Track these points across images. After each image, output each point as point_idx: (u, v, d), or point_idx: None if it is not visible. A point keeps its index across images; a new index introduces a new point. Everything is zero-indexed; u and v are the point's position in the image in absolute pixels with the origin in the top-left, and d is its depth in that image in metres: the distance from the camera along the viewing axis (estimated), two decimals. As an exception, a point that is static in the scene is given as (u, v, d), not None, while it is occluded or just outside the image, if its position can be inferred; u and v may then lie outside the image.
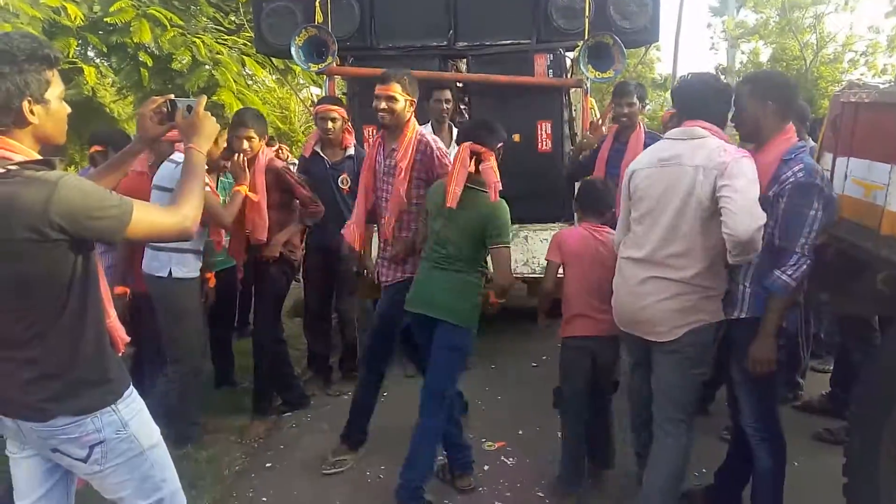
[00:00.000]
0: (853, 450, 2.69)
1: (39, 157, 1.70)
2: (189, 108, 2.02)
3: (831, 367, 4.49)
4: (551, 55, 5.25)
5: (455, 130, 4.89)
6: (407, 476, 2.99)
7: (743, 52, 21.38)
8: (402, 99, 3.25)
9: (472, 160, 3.00)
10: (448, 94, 4.81)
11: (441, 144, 3.53)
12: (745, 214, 2.39)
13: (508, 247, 3.04)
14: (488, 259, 3.10)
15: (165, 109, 2.06)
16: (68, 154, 9.85)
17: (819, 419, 4.02)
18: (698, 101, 2.71)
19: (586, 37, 4.98)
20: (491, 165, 2.99)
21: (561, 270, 3.19)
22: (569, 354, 3.16)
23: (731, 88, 2.80)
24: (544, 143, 5.28)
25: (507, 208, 3.06)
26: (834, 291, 3.20)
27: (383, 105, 3.25)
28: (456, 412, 3.28)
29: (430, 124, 4.81)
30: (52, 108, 1.72)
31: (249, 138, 3.86)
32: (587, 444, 3.23)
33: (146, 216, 1.74)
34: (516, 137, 5.12)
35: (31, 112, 1.67)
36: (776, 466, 2.75)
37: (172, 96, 2.07)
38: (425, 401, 3.04)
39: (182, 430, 3.51)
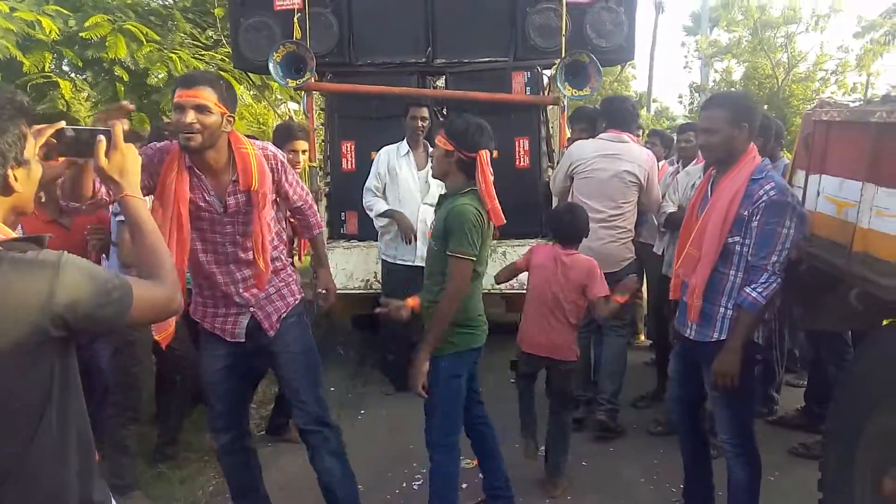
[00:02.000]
0: (828, 464, 2.72)
1: (23, 235, 1.37)
2: (91, 137, 1.58)
3: (806, 382, 4.53)
4: (528, 73, 5.29)
5: (431, 150, 4.88)
6: None
7: (716, 71, 21.75)
8: (216, 112, 2.36)
9: None
10: (425, 112, 4.78)
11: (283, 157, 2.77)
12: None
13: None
14: None
15: (54, 141, 1.55)
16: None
17: (794, 434, 4.05)
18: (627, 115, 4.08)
19: (563, 55, 5.03)
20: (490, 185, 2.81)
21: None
22: (522, 368, 3.53)
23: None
24: (522, 159, 5.31)
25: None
26: (807, 307, 3.24)
27: (189, 119, 2.32)
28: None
29: (405, 141, 4.81)
30: (31, 170, 1.42)
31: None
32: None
33: (144, 293, 1.43)
34: (494, 154, 5.12)
35: (15, 178, 1.37)
36: (751, 480, 2.77)
37: (64, 123, 1.58)
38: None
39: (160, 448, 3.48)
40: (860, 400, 2.55)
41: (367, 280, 5.02)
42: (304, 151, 3.91)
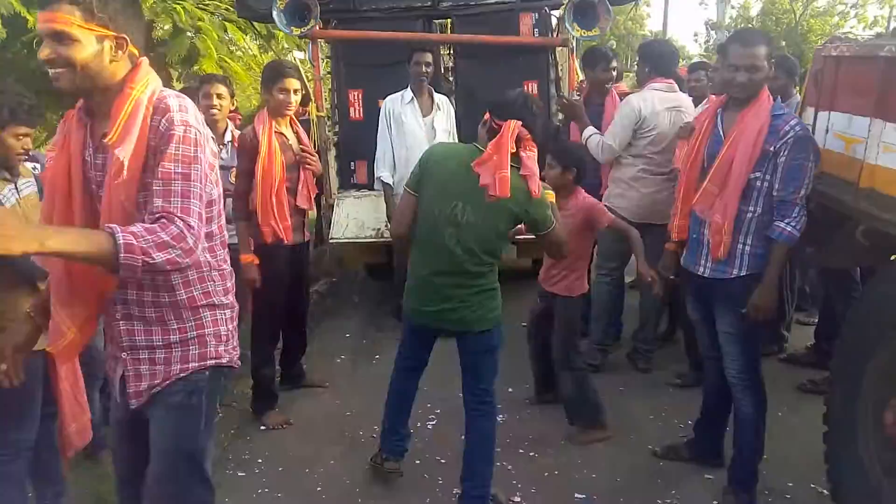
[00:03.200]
0: (834, 399, 2.77)
1: None
2: None
3: (816, 320, 4.56)
4: (536, 14, 5.21)
5: (437, 96, 4.85)
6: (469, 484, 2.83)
7: (733, 7, 21.19)
8: (85, 38, 1.68)
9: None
10: (429, 57, 4.66)
11: (194, 121, 1.78)
12: None
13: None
14: None
15: None
16: (47, 121, 9.73)
17: (803, 371, 4.10)
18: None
19: (570, -5, 4.92)
20: (533, 164, 2.61)
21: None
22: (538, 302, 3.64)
23: None
24: (533, 102, 5.24)
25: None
26: (817, 245, 3.25)
27: (46, 53, 1.68)
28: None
29: (409, 88, 4.76)
30: None
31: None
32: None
33: None
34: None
35: None
36: (757, 413, 2.83)
37: None
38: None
39: None
40: (866, 335, 2.58)
41: (378, 229, 5.05)
42: (296, 91, 3.57)
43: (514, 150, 2.56)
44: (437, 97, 4.86)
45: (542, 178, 2.83)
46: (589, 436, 3.45)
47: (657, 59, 4.18)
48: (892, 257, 2.77)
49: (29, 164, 4.02)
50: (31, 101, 2.51)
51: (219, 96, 3.89)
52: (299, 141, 3.68)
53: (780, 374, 3.99)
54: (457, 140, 4.73)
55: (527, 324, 3.78)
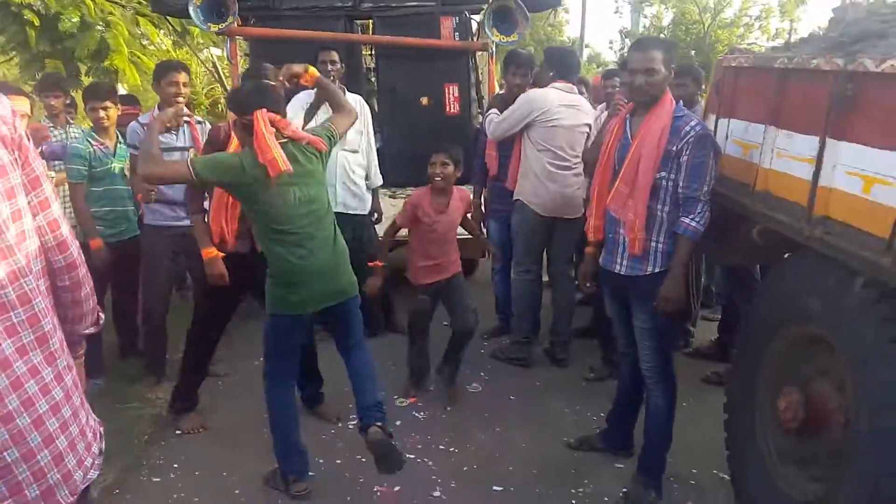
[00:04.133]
0: (734, 389, 2.94)
1: None
2: None
3: (719, 316, 4.82)
4: (457, 18, 5.28)
5: (349, 97, 4.63)
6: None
7: (646, 17, 21.99)
8: None
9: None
10: (334, 56, 4.49)
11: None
12: None
13: None
14: None
15: None
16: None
17: (707, 364, 4.32)
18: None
19: (490, 0, 5.03)
20: (292, 129, 2.80)
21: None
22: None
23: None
24: (452, 105, 5.33)
25: None
26: (719, 243, 3.44)
27: None
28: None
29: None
30: None
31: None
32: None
33: None
34: (424, 100, 5.17)
35: None
36: (669, 405, 2.98)
37: None
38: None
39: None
40: (762, 329, 2.76)
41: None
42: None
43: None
44: (350, 98, 4.73)
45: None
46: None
47: (560, 64, 4.34)
48: (786, 255, 2.97)
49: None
50: None
51: (183, 84, 3.96)
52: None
53: (686, 367, 4.18)
54: (371, 141, 4.62)
55: (411, 324, 3.97)
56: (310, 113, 4.29)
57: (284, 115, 2.78)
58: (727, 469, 2.93)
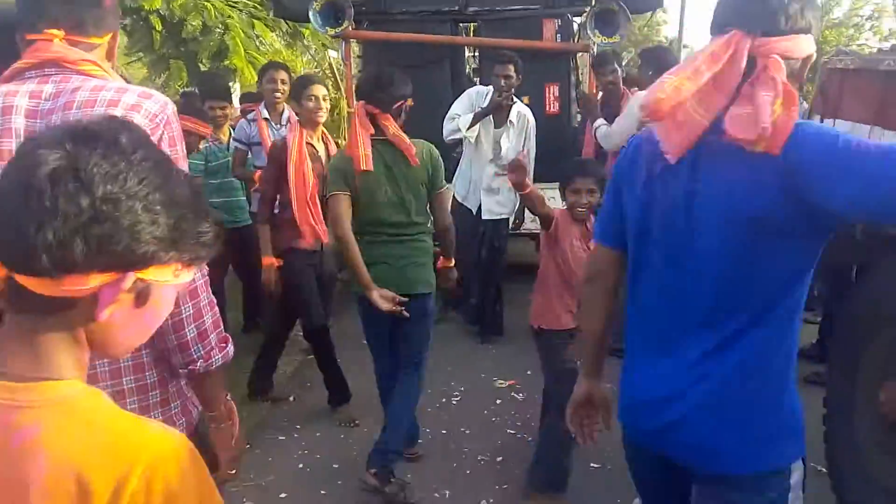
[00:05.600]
0: (833, 384, 3.00)
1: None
2: None
3: (821, 319, 4.79)
4: (559, 20, 5.45)
5: (516, 110, 4.65)
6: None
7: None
8: None
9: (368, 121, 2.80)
10: (510, 70, 4.50)
11: None
12: None
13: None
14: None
15: None
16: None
17: (809, 364, 4.33)
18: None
19: (593, 2, 5.18)
20: (393, 130, 2.77)
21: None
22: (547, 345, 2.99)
23: None
24: (552, 105, 5.51)
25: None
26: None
27: None
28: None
29: (492, 90, 4.64)
30: None
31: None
32: None
33: None
34: (525, 100, 5.36)
35: None
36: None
37: None
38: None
39: None
40: (861, 326, 2.81)
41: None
42: (324, 98, 3.66)
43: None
44: (516, 112, 4.65)
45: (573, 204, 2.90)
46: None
47: (659, 64, 4.36)
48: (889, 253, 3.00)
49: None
50: None
51: (282, 81, 4.33)
52: (328, 154, 3.67)
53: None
54: (532, 150, 4.67)
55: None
56: (480, 115, 4.52)
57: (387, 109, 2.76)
58: (824, 462, 2.99)
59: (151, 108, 1.32)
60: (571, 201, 2.89)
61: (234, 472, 1.57)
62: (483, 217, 4.73)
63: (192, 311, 1.38)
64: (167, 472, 0.77)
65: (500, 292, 4.87)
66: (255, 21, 10.07)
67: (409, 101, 2.87)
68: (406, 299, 2.79)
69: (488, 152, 4.70)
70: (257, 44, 10.32)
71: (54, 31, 1.31)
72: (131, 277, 0.77)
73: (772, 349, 1.45)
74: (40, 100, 1.30)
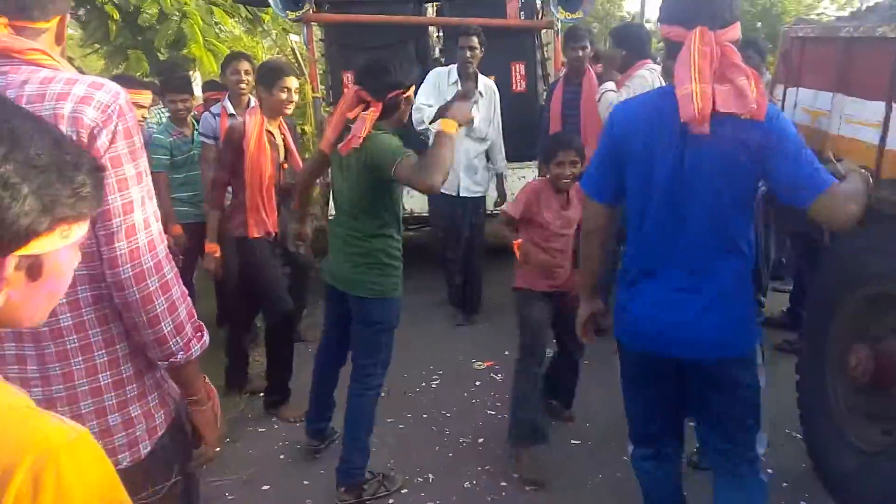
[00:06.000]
0: (804, 352, 3.06)
1: None
2: None
3: (791, 288, 4.88)
4: (522, -2, 5.42)
5: (483, 82, 4.71)
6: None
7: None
8: None
9: (359, 108, 2.62)
10: (474, 41, 4.54)
11: None
12: None
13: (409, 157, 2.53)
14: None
15: None
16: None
17: (780, 332, 4.40)
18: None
19: (554, -20, 5.15)
20: (365, 116, 2.56)
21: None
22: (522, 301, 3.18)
23: None
24: (518, 83, 5.49)
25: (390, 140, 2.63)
26: (785, 212, 3.53)
27: None
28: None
29: (454, 68, 4.71)
30: None
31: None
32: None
33: None
34: (492, 78, 5.33)
35: None
36: None
37: None
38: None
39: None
40: (831, 289, 2.86)
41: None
42: (296, 90, 3.57)
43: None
44: (483, 83, 4.69)
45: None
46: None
47: (637, 42, 4.31)
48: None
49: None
50: None
51: (246, 72, 4.27)
52: (285, 143, 3.60)
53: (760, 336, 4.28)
54: (499, 127, 4.78)
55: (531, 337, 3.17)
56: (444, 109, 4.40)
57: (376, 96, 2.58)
58: (799, 429, 3.05)
59: (103, 99, 1.27)
60: (556, 173, 3.07)
61: (218, 448, 1.58)
62: (461, 195, 4.72)
63: (165, 306, 1.36)
64: (60, 467, 0.72)
65: (479, 270, 4.87)
66: (214, 7, 9.86)
67: (410, 93, 2.68)
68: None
69: (462, 129, 4.66)
70: (216, 31, 10.13)
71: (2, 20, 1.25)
72: (12, 261, 0.73)
73: (746, 268, 1.95)
74: None
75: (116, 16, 8.99)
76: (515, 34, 5.46)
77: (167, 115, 4.49)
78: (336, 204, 2.83)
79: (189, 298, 1.43)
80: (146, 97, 3.85)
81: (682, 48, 1.80)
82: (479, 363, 4.09)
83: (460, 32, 4.69)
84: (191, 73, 9.07)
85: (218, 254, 3.56)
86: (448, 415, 3.51)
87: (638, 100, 2.12)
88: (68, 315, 1.30)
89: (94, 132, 1.25)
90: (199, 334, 1.46)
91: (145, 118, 3.88)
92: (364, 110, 2.58)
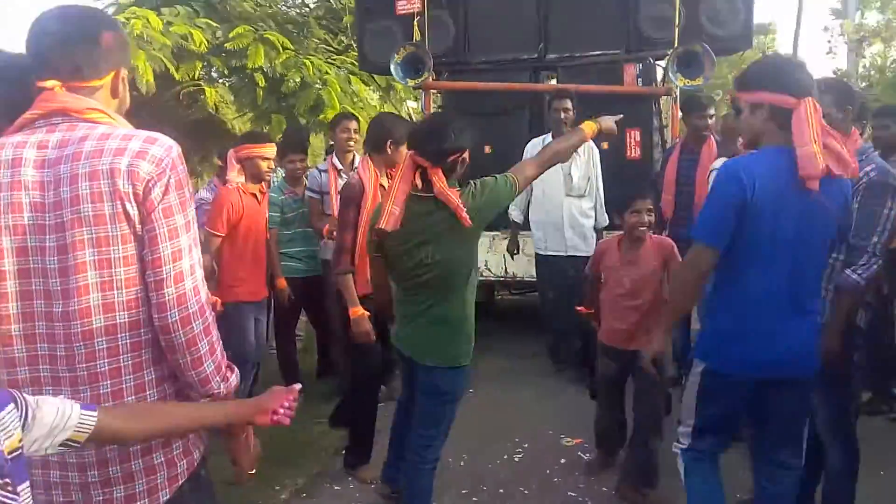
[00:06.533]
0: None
1: None
2: None
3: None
4: (640, 64, 5.33)
5: None
6: None
7: (864, 57, 20.17)
8: None
9: (417, 174, 2.52)
10: (567, 104, 4.69)
11: None
12: None
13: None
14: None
15: None
16: (190, 166, 10.70)
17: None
18: None
19: (676, 45, 5.03)
20: (440, 187, 2.44)
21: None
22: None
23: None
24: (633, 150, 5.35)
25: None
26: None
27: None
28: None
29: (549, 134, 4.79)
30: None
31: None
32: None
33: None
34: (605, 145, 5.22)
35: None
36: (847, 469, 2.72)
37: None
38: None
39: None
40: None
41: (478, 268, 5.25)
42: (355, 130, 4.45)
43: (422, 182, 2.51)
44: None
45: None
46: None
47: (844, 98, 3.99)
48: None
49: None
50: None
51: (354, 131, 4.55)
52: None
53: (889, 434, 3.79)
54: (599, 183, 4.83)
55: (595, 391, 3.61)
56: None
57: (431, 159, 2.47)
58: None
59: (157, 153, 1.35)
60: (633, 222, 3.20)
61: (253, 471, 1.64)
62: (568, 254, 4.73)
63: (207, 348, 1.43)
64: None
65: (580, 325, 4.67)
66: (352, 77, 10.46)
67: (466, 155, 2.54)
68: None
69: (561, 187, 4.75)
70: (353, 98, 10.72)
71: (52, 82, 1.35)
72: None
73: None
74: (47, 149, 1.34)
75: (263, 83, 9.76)
76: (632, 100, 5.35)
77: (283, 174, 4.75)
78: (407, 282, 2.64)
79: (220, 340, 1.50)
80: (271, 150, 4.03)
81: (792, 113, 2.10)
82: (569, 440, 3.87)
83: (553, 96, 4.78)
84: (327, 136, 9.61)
85: (367, 315, 3.28)
86: (526, 492, 3.31)
87: (752, 157, 2.26)
88: (105, 361, 1.35)
89: (150, 185, 1.34)
90: (230, 373, 1.53)
91: (272, 168, 4.08)
92: (422, 176, 2.49)
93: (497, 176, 2.56)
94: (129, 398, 1.38)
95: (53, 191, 1.31)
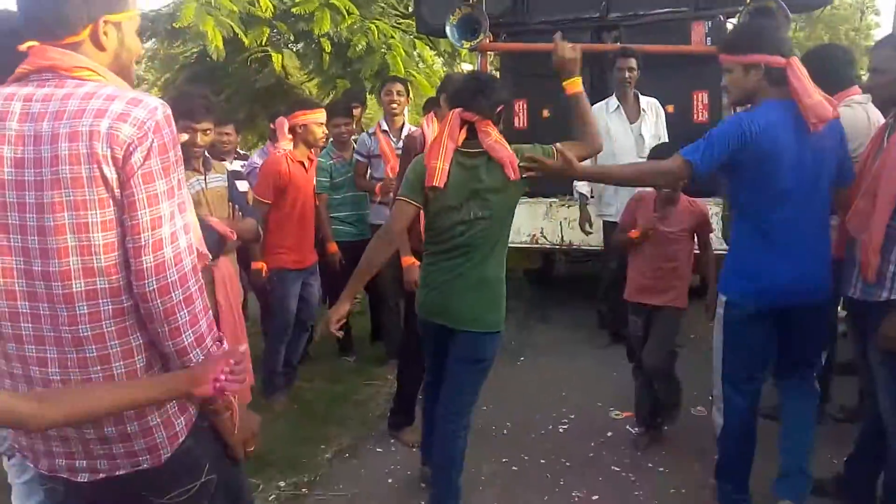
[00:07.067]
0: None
1: None
2: None
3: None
4: (710, 22, 5.03)
5: (644, 100, 4.71)
6: None
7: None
8: None
9: (463, 130, 2.55)
10: (632, 63, 4.55)
11: None
12: None
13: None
14: None
15: None
16: (258, 126, 10.88)
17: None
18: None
19: (748, 1, 4.72)
20: (494, 139, 2.51)
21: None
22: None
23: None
24: (700, 113, 5.11)
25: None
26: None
27: None
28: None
29: (613, 96, 4.70)
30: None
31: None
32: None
33: None
34: (670, 108, 4.99)
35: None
36: None
37: None
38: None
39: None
40: None
41: (534, 235, 5.15)
42: (398, 93, 4.40)
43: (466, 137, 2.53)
44: (645, 101, 4.72)
45: None
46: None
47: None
48: None
49: (238, 163, 4.63)
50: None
51: (398, 93, 4.47)
52: None
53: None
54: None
55: (628, 351, 3.61)
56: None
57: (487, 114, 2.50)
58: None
59: (140, 116, 1.30)
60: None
61: (251, 449, 1.63)
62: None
63: (188, 318, 1.37)
64: None
65: None
66: (417, 41, 10.37)
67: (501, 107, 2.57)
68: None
69: (632, 148, 4.59)
70: (418, 63, 10.63)
71: (32, 44, 1.33)
72: None
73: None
74: (31, 102, 1.32)
75: (329, 48, 9.79)
76: (699, 61, 5.07)
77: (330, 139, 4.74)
78: (445, 243, 2.61)
79: (210, 312, 1.43)
80: (323, 115, 4.02)
81: (785, 71, 2.39)
82: (618, 413, 3.76)
83: (617, 55, 4.56)
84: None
85: (417, 264, 3.24)
86: (568, 464, 3.24)
87: (760, 110, 2.48)
88: (87, 326, 1.34)
89: (130, 149, 1.29)
90: (217, 344, 1.45)
91: (326, 133, 4.10)
92: (469, 131, 2.53)
93: (540, 145, 2.62)
94: (118, 363, 1.36)
95: (34, 147, 1.29)
